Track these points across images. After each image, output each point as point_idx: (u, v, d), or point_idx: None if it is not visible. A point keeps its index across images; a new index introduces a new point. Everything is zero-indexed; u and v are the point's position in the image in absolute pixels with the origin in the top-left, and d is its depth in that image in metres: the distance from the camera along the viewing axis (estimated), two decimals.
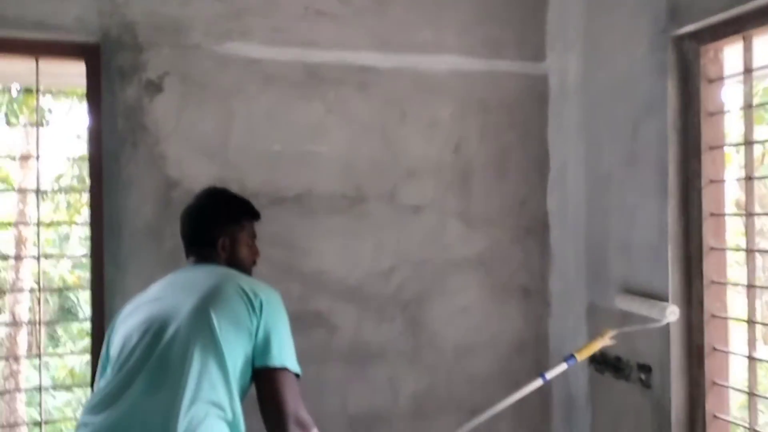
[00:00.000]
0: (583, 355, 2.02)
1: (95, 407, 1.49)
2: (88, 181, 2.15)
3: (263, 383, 1.53)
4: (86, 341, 5.98)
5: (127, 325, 1.58)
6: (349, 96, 2.38)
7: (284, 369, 1.53)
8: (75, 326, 6.15)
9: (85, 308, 6.33)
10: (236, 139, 2.26)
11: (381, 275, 2.42)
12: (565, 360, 1.99)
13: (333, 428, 2.33)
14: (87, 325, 5.74)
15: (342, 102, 2.38)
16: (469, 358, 2.52)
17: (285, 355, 1.55)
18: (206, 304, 1.51)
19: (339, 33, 2.38)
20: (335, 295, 2.37)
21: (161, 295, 1.61)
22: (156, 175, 2.05)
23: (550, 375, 1.99)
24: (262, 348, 1.52)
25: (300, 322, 2.32)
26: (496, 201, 2.55)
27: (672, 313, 2.02)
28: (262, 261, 2.23)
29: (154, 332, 1.50)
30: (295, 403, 1.51)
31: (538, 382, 1.99)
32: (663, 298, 2.13)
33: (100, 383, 1.56)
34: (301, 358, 2.32)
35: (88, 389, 2.23)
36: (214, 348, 1.47)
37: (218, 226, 1.72)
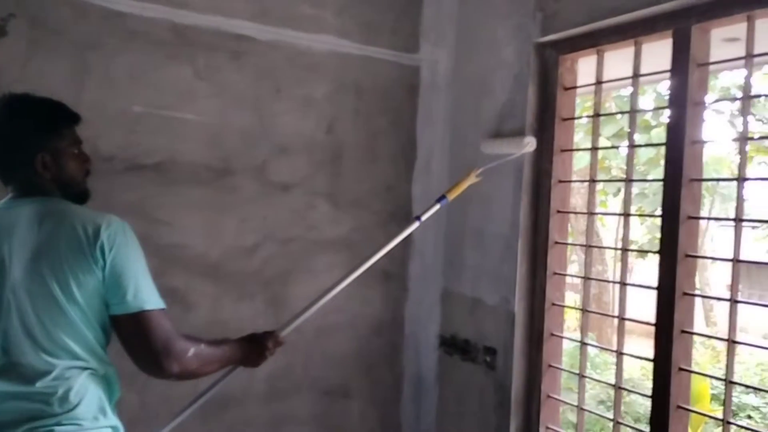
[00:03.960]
0: (452, 194, 2.03)
1: None
2: None
3: (122, 330, 1.39)
4: None
5: None
6: (221, 63, 2.27)
7: (141, 312, 1.38)
8: None
9: None
10: (90, 96, 2.06)
11: (244, 252, 2.36)
12: (438, 201, 2.01)
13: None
14: None
15: (213, 69, 2.26)
16: (328, 338, 2.53)
17: (140, 297, 1.38)
18: (41, 266, 1.33)
19: None
20: (193, 271, 2.26)
21: None
22: None
23: (424, 216, 2.00)
24: (114, 293, 1.37)
25: None
26: (364, 184, 2.58)
27: (529, 144, 2.16)
28: None
29: None
30: (160, 340, 1.38)
31: (415, 224, 2.00)
32: (511, 286, 2.29)
33: None
34: None
35: None
36: (61, 313, 1.34)
37: (32, 141, 1.41)
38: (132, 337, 1.39)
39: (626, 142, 6.97)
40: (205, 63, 2.25)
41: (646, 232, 8.58)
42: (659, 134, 7.14)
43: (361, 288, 2.57)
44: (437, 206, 2.01)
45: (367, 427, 2.64)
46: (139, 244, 1.43)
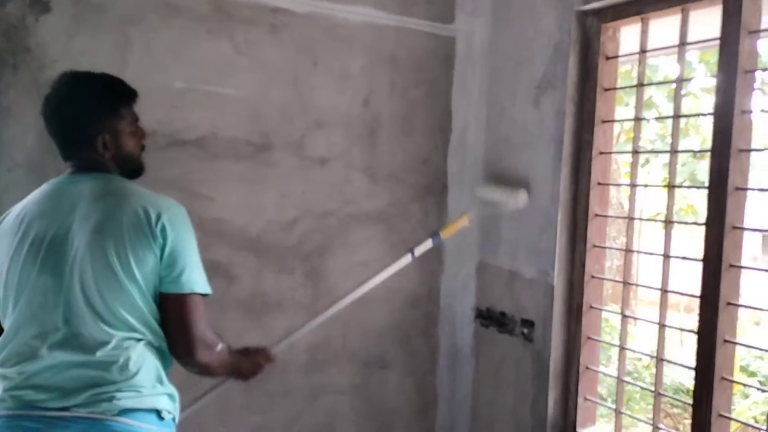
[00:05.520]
0: (446, 234, 2.22)
1: (8, 359, 1.38)
2: None
3: (169, 308, 1.44)
4: None
5: (12, 251, 1.41)
6: (259, 37, 2.27)
7: (191, 294, 1.45)
8: None
9: None
10: (133, 72, 2.06)
11: (283, 226, 2.38)
12: (431, 237, 2.18)
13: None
14: None
15: (252, 43, 2.26)
16: (365, 311, 2.55)
17: (193, 279, 1.45)
18: (103, 241, 1.37)
19: None
20: (235, 245, 2.29)
21: (48, 213, 1.43)
22: (40, 104, 1.82)
23: (418, 251, 2.14)
24: (168, 274, 1.42)
25: None
26: (400, 158, 2.58)
27: (522, 199, 2.32)
28: None
29: (52, 267, 1.37)
30: (201, 326, 1.46)
31: (407, 258, 2.13)
32: (550, 259, 2.28)
33: (8, 332, 1.41)
34: None
35: None
36: (120, 287, 1.38)
37: (93, 123, 1.46)
38: (175, 317, 1.44)
39: (652, 113, 6.84)
40: (244, 37, 2.24)
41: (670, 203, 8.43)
42: (687, 104, 7.01)
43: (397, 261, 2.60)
44: (430, 242, 2.17)
45: (404, 397, 2.68)
46: (191, 227, 1.48)
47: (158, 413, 1.42)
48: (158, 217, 1.41)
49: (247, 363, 1.73)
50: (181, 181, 2.18)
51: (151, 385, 1.41)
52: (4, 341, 1.40)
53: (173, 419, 1.48)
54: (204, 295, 1.48)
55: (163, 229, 1.40)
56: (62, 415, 1.32)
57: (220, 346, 1.52)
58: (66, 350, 1.36)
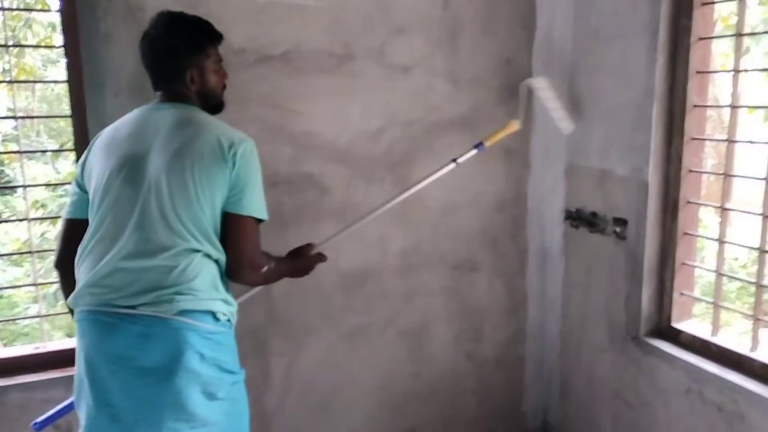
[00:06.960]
0: (490, 142, 2.33)
1: (86, 258, 1.58)
2: (61, 35, 2.00)
3: (228, 226, 1.62)
4: (39, 213, 5.79)
5: (103, 164, 1.61)
6: None
7: (249, 217, 1.62)
8: (17, 201, 5.86)
9: (21, 181, 6.05)
10: None
11: (370, 136, 2.42)
12: (476, 147, 2.30)
13: (326, 283, 2.43)
14: (41, 195, 5.61)
15: None
16: (453, 215, 2.61)
17: (254, 204, 1.62)
18: (182, 163, 1.54)
19: None
20: (326, 157, 2.36)
21: (135, 134, 1.61)
22: (135, 29, 1.89)
23: (461, 159, 2.27)
24: (232, 196, 1.60)
25: (292, 184, 2.34)
26: (482, 60, 2.52)
27: (570, 127, 2.44)
28: (251, 122, 2.20)
29: (132, 180, 1.56)
30: (252, 248, 1.64)
31: (451, 166, 2.26)
32: (644, 155, 2.22)
33: (90, 230, 1.60)
34: (294, 217, 2.37)
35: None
36: (190, 202, 1.54)
37: (183, 59, 1.65)
38: (231, 235, 1.62)
39: None
40: None
41: None
42: None
43: (483, 166, 2.60)
44: (474, 151, 2.29)
45: (494, 297, 2.76)
46: (258, 160, 1.65)
47: (213, 314, 1.59)
48: (231, 145, 1.58)
49: (300, 263, 1.95)
50: (271, 97, 2.24)
51: (206, 290, 1.57)
52: (85, 241, 1.60)
53: (228, 320, 1.66)
54: (260, 221, 1.64)
55: (235, 157, 1.57)
56: (131, 313, 1.51)
57: (265, 269, 1.70)
58: (134, 255, 1.53)
